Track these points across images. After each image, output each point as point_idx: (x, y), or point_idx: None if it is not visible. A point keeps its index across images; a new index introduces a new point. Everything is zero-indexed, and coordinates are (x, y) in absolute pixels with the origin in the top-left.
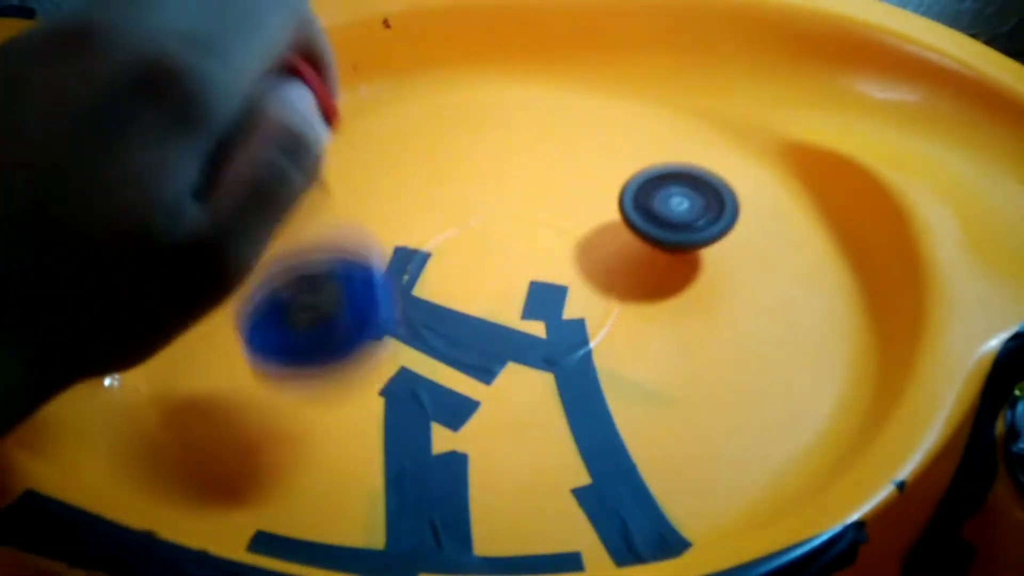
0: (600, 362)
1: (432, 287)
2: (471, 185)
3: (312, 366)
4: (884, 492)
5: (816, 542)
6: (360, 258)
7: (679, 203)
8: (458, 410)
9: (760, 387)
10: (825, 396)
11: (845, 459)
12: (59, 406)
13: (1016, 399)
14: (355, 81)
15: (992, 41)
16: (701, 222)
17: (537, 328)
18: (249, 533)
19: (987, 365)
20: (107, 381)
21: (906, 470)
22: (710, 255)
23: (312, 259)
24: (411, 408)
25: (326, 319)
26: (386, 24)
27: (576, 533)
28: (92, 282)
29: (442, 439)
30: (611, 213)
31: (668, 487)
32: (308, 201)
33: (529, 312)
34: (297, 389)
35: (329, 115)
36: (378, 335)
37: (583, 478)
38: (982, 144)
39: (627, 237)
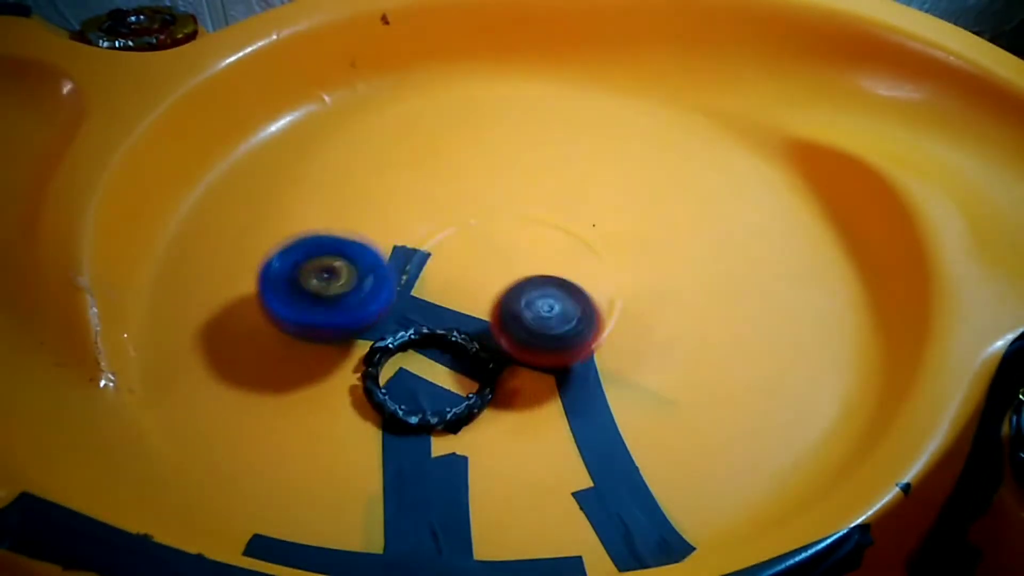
0: (602, 363)
1: (431, 287)
2: (471, 183)
3: (319, 330)
4: (889, 495)
5: (821, 545)
6: (369, 243)
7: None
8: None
9: (764, 389)
10: (829, 398)
11: (850, 462)
12: (54, 408)
13: (1022, 403)
14: (353, 78)
15: (997, 38)
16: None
17: None
18: (245, 537)
19: (993, 366)
20: (102, 383)
21: (911, 473)
22: (712, 255)
23: (328, 238)
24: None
25: (338, 289)
26: (384, 20)
27: (577, 537)
28: None
29: (442, 441)
30: (613, 212)
31: (671, 490)
32: None
33: None
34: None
35: None
36: (378, 314)
37: (584, 481)
38: (987, 142)
39: (630, 235)
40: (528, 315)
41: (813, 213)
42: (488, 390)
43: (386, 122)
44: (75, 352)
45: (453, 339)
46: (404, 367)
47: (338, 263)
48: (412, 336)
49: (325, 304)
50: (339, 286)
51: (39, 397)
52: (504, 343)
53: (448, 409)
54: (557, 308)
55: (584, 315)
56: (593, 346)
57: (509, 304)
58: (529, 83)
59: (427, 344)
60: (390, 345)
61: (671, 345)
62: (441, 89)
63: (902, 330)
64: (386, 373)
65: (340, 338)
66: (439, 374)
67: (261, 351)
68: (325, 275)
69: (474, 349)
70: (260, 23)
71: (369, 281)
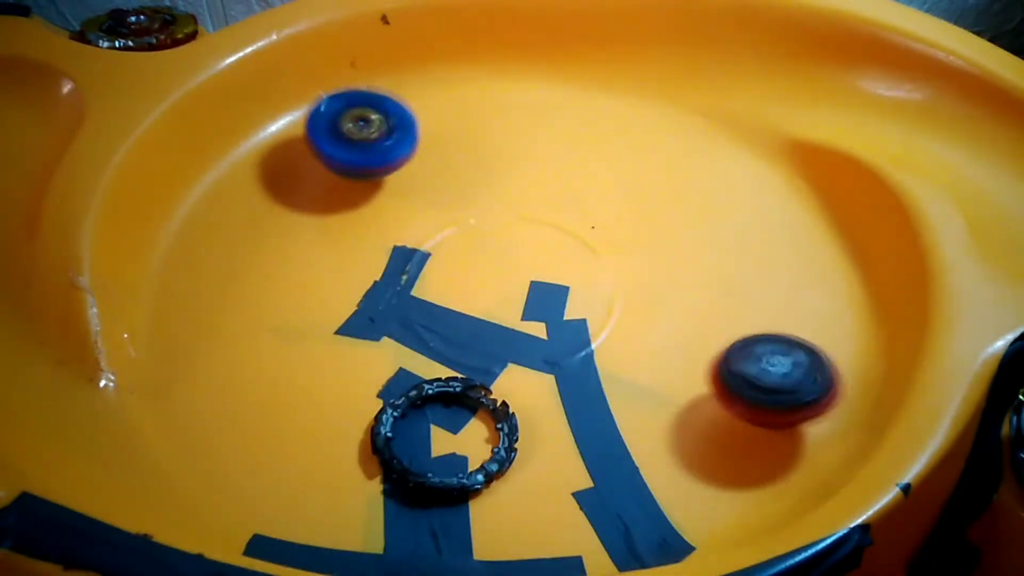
0: (602, 363)
1: (431, 287)
2: (470, 183)
3: (357, 167)
4: (889, 495)
5: (821, 545)
6: (397, 98)
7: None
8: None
9: None
10: None
11: (850, 462)
12: (54, 408)
13: (1022, 403)
14: (353, 78)
15: (997, 39)
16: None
17: (538, 329)
18: (246, 537)
19: (993, 366)
20: (102, 383)
21: (911, 473)
22: (712, 255)
23: (364, 91)
24: (410, 410)
25: (373, 134)
26: (384, 20)
27: (578, 537)
28: None
29: (442, 441)
30: (612, 213)
31: (671, 490)
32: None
33: (530, 312)
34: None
35: None
36: (401, 159)
37: (585, 481)
38: (987, 142)
39: (630, 235)
40: (758, 372)
41: (813, 213)
42: (515, 435)
43: None
44: (75, 352)
45: (454, 390)
46: (404, 367)
47: (373, 115)
48: (415, 399)
49: (359, 147)
50: (371, 133)
51: (39, 397)
52: (736, 409)
53: (490, 466)
54: (786, 363)
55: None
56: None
57: (734, 364)
58: (529, 84)
59: (432, 402)
60: (394, 414)
61: (671, 345)
62: (441, 89)
63: (902, 330)
64: (386, 373)
65: (369, 176)
66: (441, 375)
67: (261, 351)
68: (361, 123)
69: (480, 396)
70: (260, 23)
71: (396, 131)
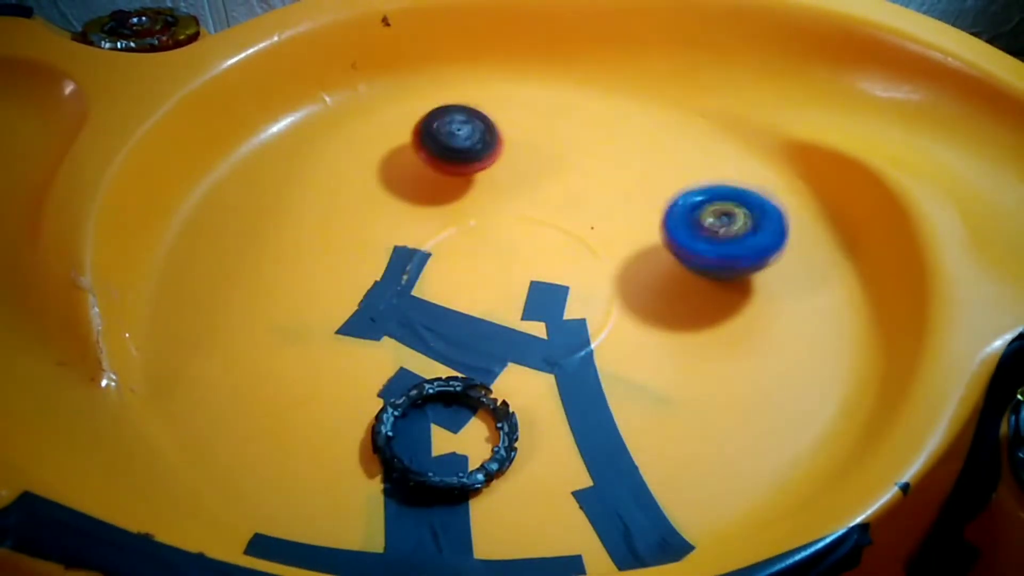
0: (601, 363)
1: (432, 287)
2: (471, 184)
3: (720, 267)
4: (888, 494)
5: (820, 545)
6: (766, 194)
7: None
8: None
9: (763, 388)
10: (828, 397)
11: (848, 461)
12: (56, 408)
13: (1020, 403)
14: (354, 79)
15: (995, 40)
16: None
17: (538, 328)
18: (247, 536)
19: (991, 366)
20: (103, 382)
21: (910, 472)
22: None
23: (728, 187)
24: (411, 410)
25: (737, 233)
26: (385, 22)
27: (577, 536)
28: None
29: (442, 441)
30: (613, 212)
31: (670, 489)
32: None
33: (529, 312)
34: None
35: None
36: (772, 255)
37: (584, 480)
38: (986, 143)
39: (629, 236)
40: (444, 132)
41: (812, 214)
42: (515, 434)
43: (387, 122)
44: (77, 351)
45: (455, 389)
46: (405, 367)
47: (737, 209)
48: (415, 398)
49: (720, 243)
50: (735, 229)
51: (41, 396)
52: (423, 156)
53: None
54: (465, 128)
55: (487, 133)
56: (493, 159)
57: (428, 124)
58: (529, 85)
59: (432, 401)
60: (395, 414)
61: (670, 345)
62: (441, 90)
63: (901, 330)
64: (387, 373)
65: (730, 276)
66: (441, 375)
67: (262, 351)
68: (724, 218)
69: (480, 396)
70: (261, 24)
71: (762, 227)
